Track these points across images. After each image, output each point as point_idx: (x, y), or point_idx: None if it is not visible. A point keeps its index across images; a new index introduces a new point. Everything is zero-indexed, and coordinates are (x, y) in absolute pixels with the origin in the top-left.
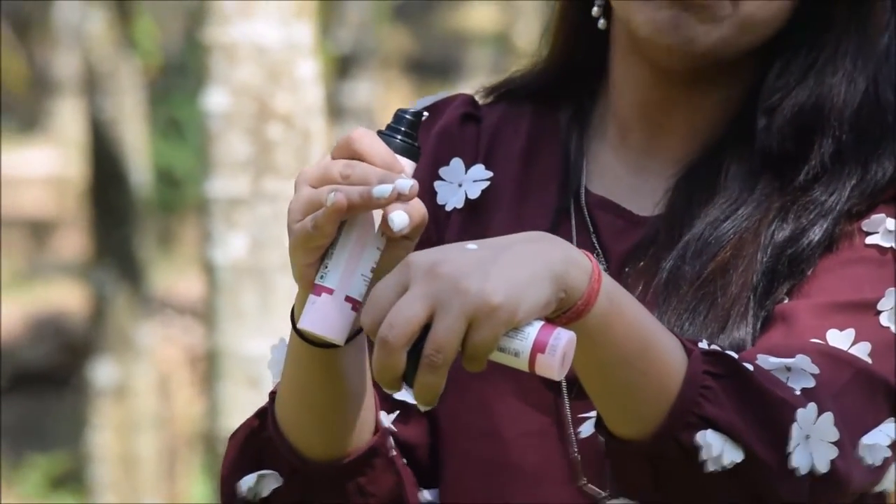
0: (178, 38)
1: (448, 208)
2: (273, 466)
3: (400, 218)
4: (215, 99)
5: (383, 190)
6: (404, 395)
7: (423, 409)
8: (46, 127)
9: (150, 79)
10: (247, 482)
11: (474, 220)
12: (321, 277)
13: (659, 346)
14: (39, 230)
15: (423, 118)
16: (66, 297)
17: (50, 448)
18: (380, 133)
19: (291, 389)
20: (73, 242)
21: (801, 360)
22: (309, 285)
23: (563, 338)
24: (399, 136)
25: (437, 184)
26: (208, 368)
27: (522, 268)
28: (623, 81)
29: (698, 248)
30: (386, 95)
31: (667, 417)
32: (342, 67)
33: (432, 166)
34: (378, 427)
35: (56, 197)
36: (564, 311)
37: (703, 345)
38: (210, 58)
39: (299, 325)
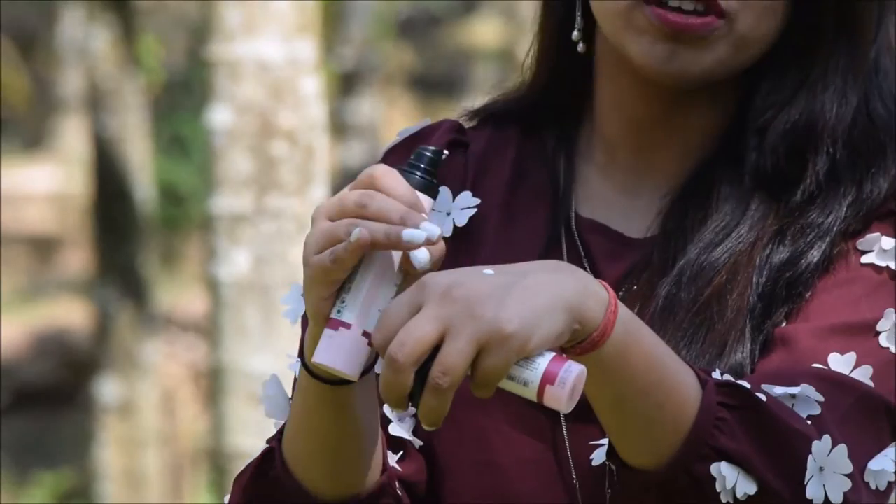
0: (181, 56)
1: None
2: None
3: (423, 256)
4: (219, 116)
5: (414, 235)
6: (401, 431)
7: (427, 429)
8: (50, 144)
9: (153, 96)
10: None
11: (463, 248)
12: (338, 312)
13: (674, 378)
14: (43, 247)
15: (443, 157)
16: (70, 315)
17: (55, 465)
18: (400, 169)
19: (300, 428)
20: (77, 259)
21: (806, 389)
22: (323, 320)
23: (574, 371)
24: (418, 173)
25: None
26: (212, 385)
27: (538, 298)
28: (610, 101)
29: (693, 273)
30: (389, 112)
31: (681, 448)
32: (345, 84)
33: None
34: (386, 466)
35: (60, 214)
36: (579, 343)
37: (717, 374)
38: (213, 75)
39: (314, 360)
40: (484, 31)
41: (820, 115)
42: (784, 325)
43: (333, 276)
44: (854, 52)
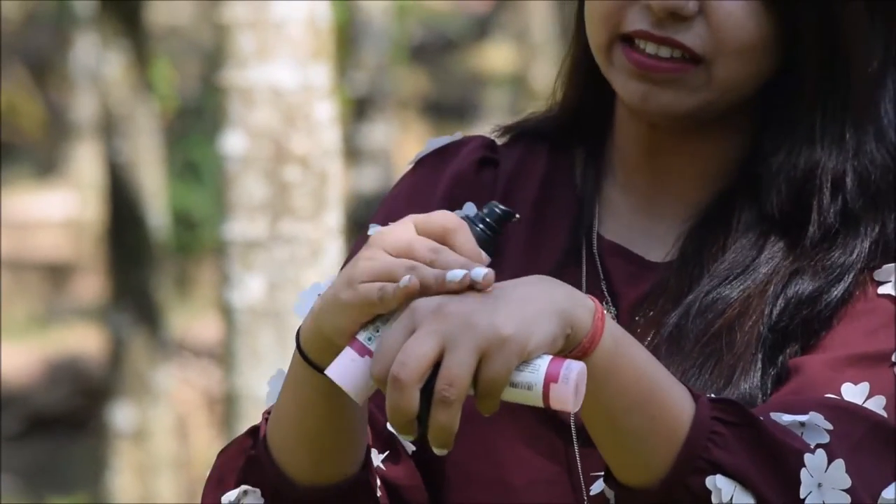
0: (194, 82)
1: None
2: (256, 485)
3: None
4: (232, 141)
5: (457, 275)
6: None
7: (438, 452)
8: (64, 170)
9: (166, 122)
10: (228, 497)
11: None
12: (369, 339)
13: (666, 392)
14: (56, 273)
15: (515, 220)
16: (84, 340)
17: (69, 491)
18: (465, 218)
19: (287, 411)
20: (91, 285)
21: (815, 417)
22: (348, 338)
23: (575, 367)
24: (482, 226)
25: (464, 206)
26: (226, 410)
27: (529, 303)
28: (626, 126)
29: (703, 306)
30: (402, 137)
31: (675, 463)
32: (358, 110)
33: (445, 208)
34: (367, 462)
35: (73, 240)
36: (571, 350)
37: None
38: (227, 101)
39: (329, 373)
40: (497, 56)
41: (818, 162)
42: (799, 356)
43: (376, 309)
44: (850, 93)
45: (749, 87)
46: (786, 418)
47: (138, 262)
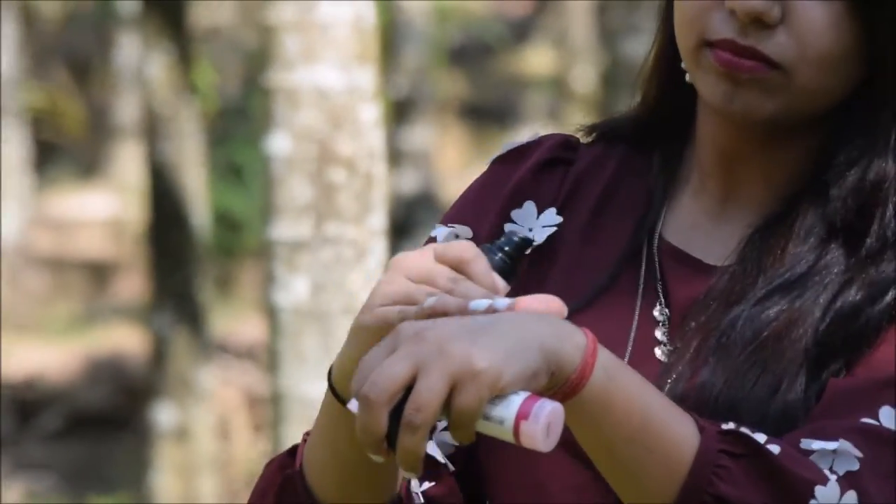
0: (237, 83)
1: None
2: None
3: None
4: (278, 143)
5: (480, 304)
6: (435, 451)
7: (406, 476)
8: (106, 171)
9: (208, 123)
10: None
11: (537, 268)
12: None
13: (665, 423)
14: (99, 273)
15: (532, 245)
16: (126, 340)
17: (111, 490)
18: (484, 247)
19: (321, 438)
20: (133, 286)
21: (844, 445)
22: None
23: (547, 406)
24: (500, 254)
25: (507, 226)
26: (270, 411)
27: (510, 337)
28: (705, 131)
29: (753, 313)
30: (443, 140)
31: (679, 495)
32: (399, 112)
33: (506, 208)
34: (400, 489)
35: (115, 240)
36: (559, 387)
37: (730, 426)
38: (272, 102)
39: (350, 408)
40: (536, 60)
41: (889, 174)
42: (842, 374)
43: None
44: None
45: (828, 99)
46: (815, 445)
47: (180, 262)
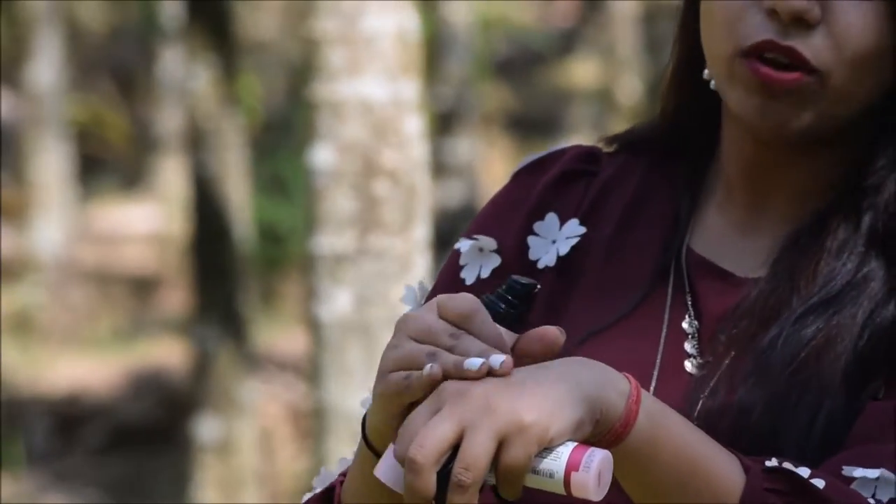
0: (281, 96)
1: (540, 265)
2: None
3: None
4: (322, 155)
5: (474, 363)
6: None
7: None
8: (150, 183)
9: (252, 136)
10: None
11: (563, 279)
12: None
13: (711, 465)
14: (142, 287)
15: (536, 290)
16: (169, 354)
17: None
18: (485, 299)
19: (356, 486)
20: (176, 299)
21: (885, 474)
22: (389, 429)
23: (598, 455)
24: (504, 305)
25: (530, 238)
26: (313, 425)
27: (554, 388)
28: (730, 141)
29: (792, 331)
30: (487, 152)
31: None
32: (443, 124)
33: (528, 220)
34: None
35: (159, 253)
36: (604, 435)
37: (773, 462)
38: (316, 114)
39: (377, 474)
40: (582, 71)
41: None
42: (882, 393)
43: (405, 399)
44: None
45: (861, 104)
46: (857, 472)
47: (224, 275)
